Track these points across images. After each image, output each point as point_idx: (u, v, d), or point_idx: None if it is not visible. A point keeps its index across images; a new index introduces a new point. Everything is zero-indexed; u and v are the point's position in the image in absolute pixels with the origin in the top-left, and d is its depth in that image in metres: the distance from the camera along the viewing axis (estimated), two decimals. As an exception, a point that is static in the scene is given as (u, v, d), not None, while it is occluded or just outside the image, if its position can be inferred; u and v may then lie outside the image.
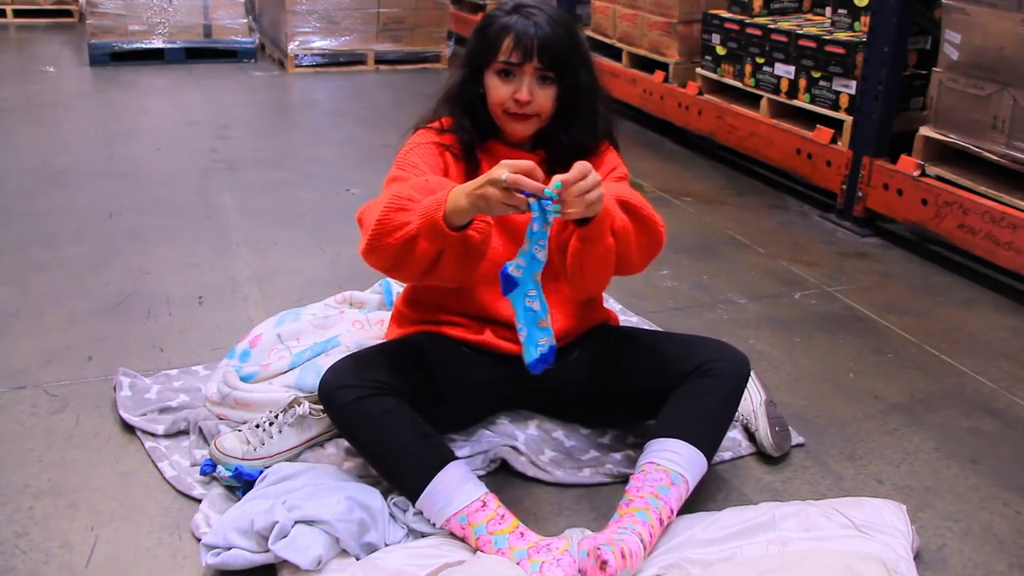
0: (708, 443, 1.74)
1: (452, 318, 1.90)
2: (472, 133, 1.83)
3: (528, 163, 1.50)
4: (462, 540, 1.63)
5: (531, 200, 1.50)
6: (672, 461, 1.69)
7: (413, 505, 1.67)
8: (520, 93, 1.73)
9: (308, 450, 1.91)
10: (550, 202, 1.50)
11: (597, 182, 1.52)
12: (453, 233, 1.55)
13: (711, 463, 1.77)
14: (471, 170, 1.82)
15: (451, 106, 1.85)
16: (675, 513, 1.68)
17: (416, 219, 1.56)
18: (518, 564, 1.54)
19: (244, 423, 1.94)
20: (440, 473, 1.63)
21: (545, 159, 1.83)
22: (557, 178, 1.50)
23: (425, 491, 1.62)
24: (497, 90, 1.76)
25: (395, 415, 1.65)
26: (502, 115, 1.78)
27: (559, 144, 1.83)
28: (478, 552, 1.60)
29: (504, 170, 1.48)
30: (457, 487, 1.62)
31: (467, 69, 1.81)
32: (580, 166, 1.51)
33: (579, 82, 1.78)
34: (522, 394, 2.00)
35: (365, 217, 1.66)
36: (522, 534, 1.59)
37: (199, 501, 1.77)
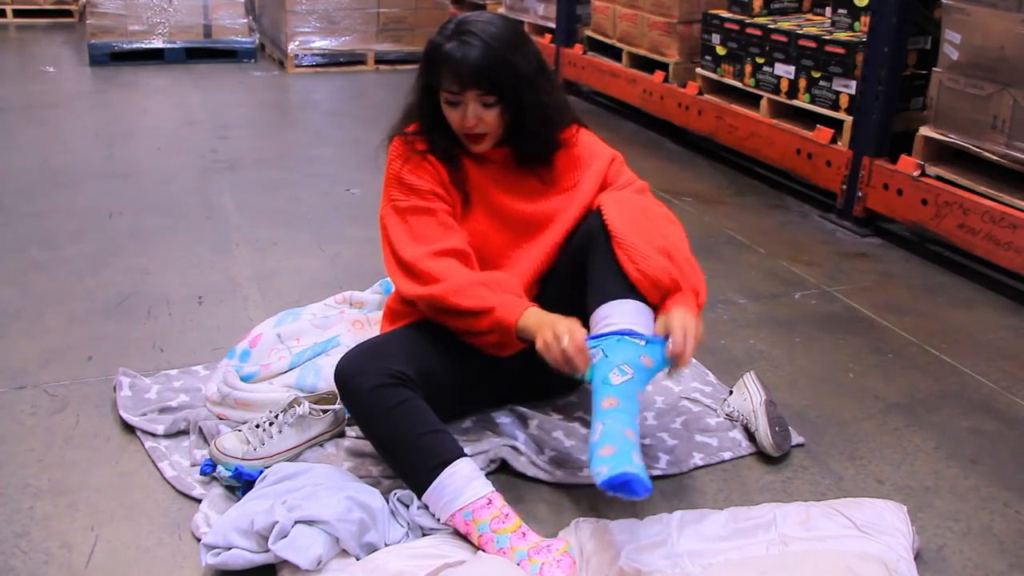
0: (617, 289, 1.76)
1: None
2: (441, 141, 1.89)
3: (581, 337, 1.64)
4: (464, 536, 1.64)
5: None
6: (596, 327, 1.73)
7: (419, 497, 1.67)
8: (466, 120, 1.80)
9: (308, 450, 1.91)
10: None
11: (694, 336, 1.68)
12: (515, 338, 1.74)
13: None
14: (454, 170, 1.90)
15: (416, 119, 1.92)
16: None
17: (492, 308, 1.73)
18: (518, 564, 1.54)
19: (244, 423, 1.94)
20: (449, 468, 1.64)
21: (511, 155, 1.92)
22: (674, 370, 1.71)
23: (433, 484, 1.64)
24: (448, 114, 1.83)
25: (409, 406, 1.67)
26: (460, 136, 1.86)
27: (515, 149, 1.91)
28: (479, 552, 1.60)
29: (566, 337, 1.63)
30: (465, 483, 1.63)
31: (422, 89, 1.87)
32: (676, 338, 1.67)
33: (522, 102, 1.82)
34: (527, 388, 2.05)
35: (426, 266, 1.79)
36: (524, 534, 1.60)
37: (199, 501, 1.77)
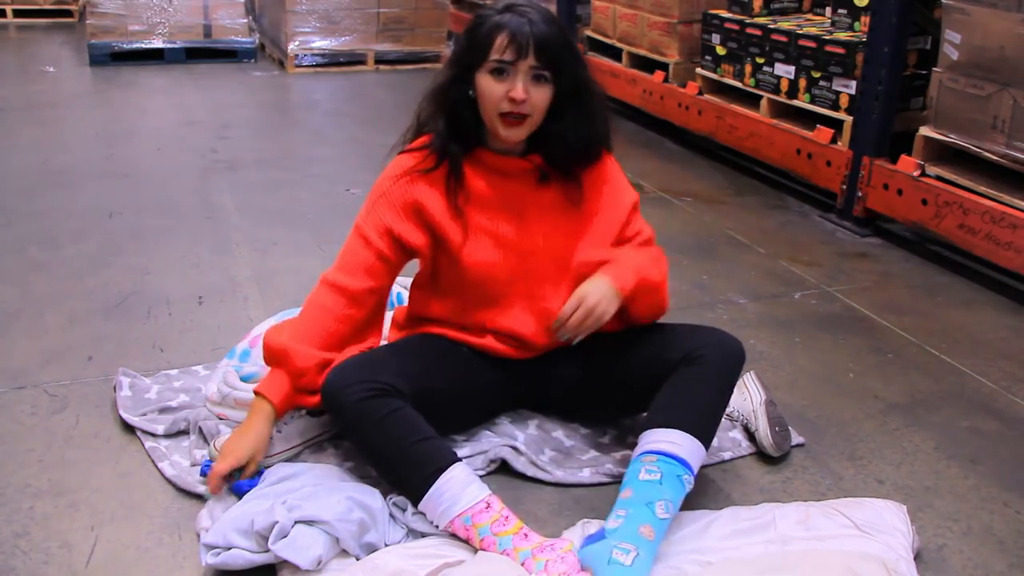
0: (704, 431, 1.72)
1: (452, 328, 1.91)
2: (447, 140, 1.79)
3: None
4: (465, 542, 1.63)
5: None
6: (672, 444, 1.68)
7: (415, 507, 1.66)
8: (515, 91, 1.68)
9: (308, 450, 1.91)
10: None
11: (589, 311, 1.73)
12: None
13: (708, 453, 1.76)
14: (452, 181, 1.80)
15: (434, 107, 1.80)
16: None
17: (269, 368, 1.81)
18: (523, 564, 1.54)
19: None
20: (444, 474, 1.62)
21: (541, 165, 1.84)
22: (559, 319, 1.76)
23: (429, 492, 1.62)
24: (490, 90, 1.71)
25: (399, 416, 1.65)
26: (496, 119, 1.73)
27: (556, 147, 1.81)
28: (479, 552, 1.60)
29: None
30: (461, 488, 1.62)
31: (456, 69, 1.76)
32: (568, 306, 1.75)
33: (576, 79, 1.75)
34: (520, 394, 2.00)
35: (316, 285, 1.87)
36: (526, 535, 1.59)
37: (202, 498, 1.77)
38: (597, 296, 1.73)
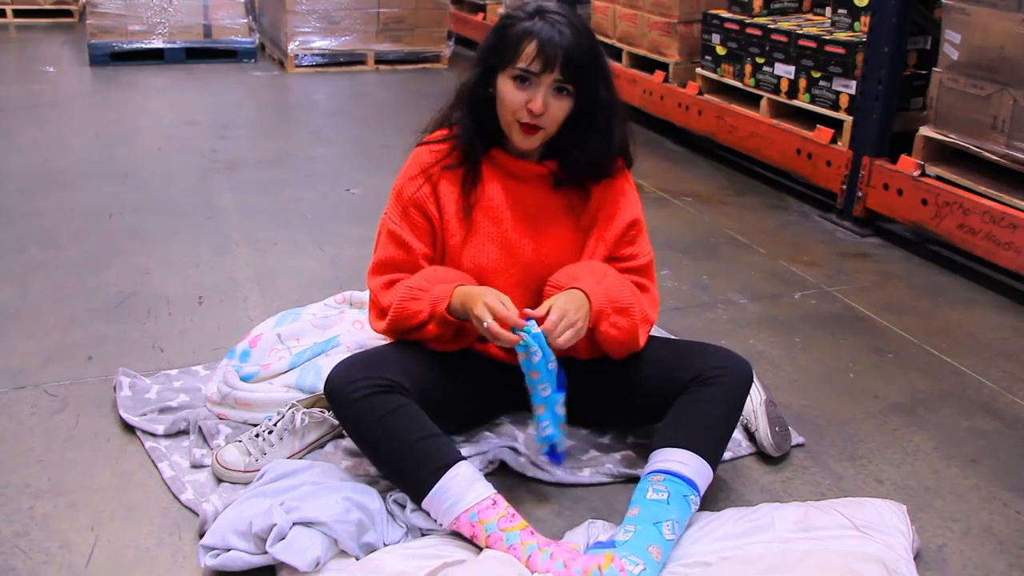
0: (711, 452, 1.72)
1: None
2: (474, 138, 1.79)
3: (506, 312, 1.63)
4: (470, 539, 1.62)
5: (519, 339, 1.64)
6: (680, 464, 1.68)
7: (419, 504, 1.66)
8: (534, 103, 1.68)
9: (308, 454, 1.91)
10: (532, 336, 1.64)
11: (570, 325, 1.67)
12: (457, 321, 1.74)
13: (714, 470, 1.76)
14: (469, 180, 1.81)
15: (460, 104, 1.81)
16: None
17: (427, 308, 1.74)
18: (529, 556, 1.54)
19: (243, 422, 1.94)
20: (450, 471, 1.62)
21: (555, 171, 1.83)
22: (529, 313, 1.66)
23: (434, 489, 1.62)
24: (510, 96, 1.70)
25: (403, 412, 1.65)
26: (511, 122, 1.73)
27: (572, 159, 1.81)
28: (483, 551, 1.59)
29: (486, 316, 1.63)
30: (468, 485, 1.62)
31: (480, 68, 1.75)
32: (555, 312, 1.66)
33: (597, 97, 1.74)
34: (521, 397, 1.99)
35: (379, 297, 1.83)
36: (532, 532, 1.60)
37: (190, 509, 1.75)
38: (570, 305, 1.69)
